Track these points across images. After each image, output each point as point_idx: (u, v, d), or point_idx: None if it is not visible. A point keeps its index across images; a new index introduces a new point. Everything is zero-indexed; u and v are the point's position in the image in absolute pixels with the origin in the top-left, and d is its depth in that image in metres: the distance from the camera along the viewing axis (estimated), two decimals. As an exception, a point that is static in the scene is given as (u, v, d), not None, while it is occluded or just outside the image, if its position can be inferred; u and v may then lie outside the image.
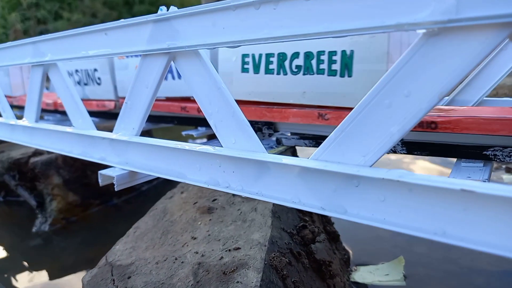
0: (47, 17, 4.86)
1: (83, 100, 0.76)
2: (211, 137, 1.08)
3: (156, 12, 0.51)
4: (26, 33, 4.65)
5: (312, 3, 0.36)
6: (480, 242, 0.30)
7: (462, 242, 0.31)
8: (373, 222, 0.35)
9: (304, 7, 0.37)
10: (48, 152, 1.19)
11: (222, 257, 0.47)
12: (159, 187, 1.40)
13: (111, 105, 1.08)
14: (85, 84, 1.15)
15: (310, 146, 0.71)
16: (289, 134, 0.76)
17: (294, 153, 0.80)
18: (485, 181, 0.48)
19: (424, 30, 0.31)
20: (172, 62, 0.52)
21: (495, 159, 0.51)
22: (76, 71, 1.16)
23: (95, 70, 1.09)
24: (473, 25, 0.29)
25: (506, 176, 1.20)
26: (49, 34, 0.69)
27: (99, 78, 1.09)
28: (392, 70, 0.33)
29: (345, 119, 0.37)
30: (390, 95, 0.34)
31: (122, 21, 0.55)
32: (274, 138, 0.78)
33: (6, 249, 1.05)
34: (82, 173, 1.22)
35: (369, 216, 0.35)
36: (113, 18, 5.65)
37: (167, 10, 0.50)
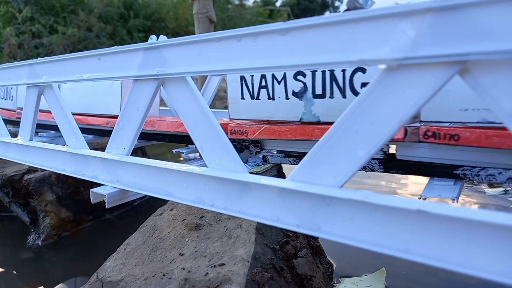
0: (42, 31, 4.89)
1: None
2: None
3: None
4: (20, 47, 4.66)
5: (287, 38, 0.40)
6: (439, 259, 0.33)
7: (422, 258, 0.34)
8: (343, 239, 0.38)
9: (280, 41, 0.40)
10: (42, 169, 1.21)
11: (207, 273, 0.49)
12: (151, 202, 1.42)
13: None
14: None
15: (294, 164, 0.74)
16: (275, 152, 0.79)
17: (279, 170, 0.82)
18: (453, 199, 0.51)
19: (384, 66, 0.35)
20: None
21: (465, 178, 0.55)
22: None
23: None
24: (427, 62, 0.33)
25: (488, 190, 1.24)
26: (45, 58, 0.72)
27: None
28: (358, 99, 0.37)
29: (317, 142, 0.40)
30: (358, 122, 0.37)
31: (115, 48, 0.58)
32: (261, 156, 0.81)
33: (-2, 263, 1.06)
34: (74, 189, 1.23)
35: (340, 233, 0.38)
36: (108, 32, 5.70)
37: (157, 39, 0.53)
